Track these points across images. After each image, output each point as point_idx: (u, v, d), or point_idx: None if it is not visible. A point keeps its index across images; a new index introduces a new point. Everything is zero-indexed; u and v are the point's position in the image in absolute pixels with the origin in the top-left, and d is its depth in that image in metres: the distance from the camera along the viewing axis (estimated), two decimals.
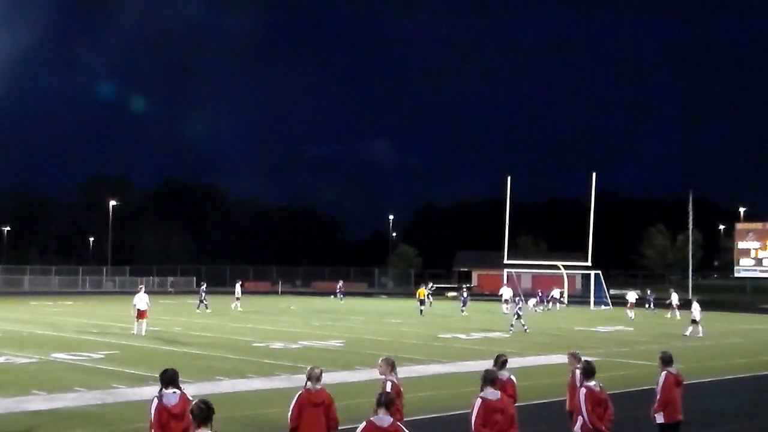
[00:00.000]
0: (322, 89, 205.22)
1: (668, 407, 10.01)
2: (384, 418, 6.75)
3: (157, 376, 8.17)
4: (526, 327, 31.56)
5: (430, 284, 52.00)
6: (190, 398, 7.73)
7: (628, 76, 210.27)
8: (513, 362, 21.19)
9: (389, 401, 6.91)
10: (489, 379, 8.12)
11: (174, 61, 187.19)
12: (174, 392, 7.71)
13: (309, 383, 8.38)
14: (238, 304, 43.84)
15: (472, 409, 7.96)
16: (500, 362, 10.08)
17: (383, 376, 9.21)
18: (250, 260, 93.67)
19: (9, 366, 19.46)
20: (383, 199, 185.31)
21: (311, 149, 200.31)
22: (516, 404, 9.11)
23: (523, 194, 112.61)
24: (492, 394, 7.98)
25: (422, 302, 43.27)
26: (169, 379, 7.80)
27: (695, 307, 30.86)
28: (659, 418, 10.05)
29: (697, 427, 12.68)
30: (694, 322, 30.74)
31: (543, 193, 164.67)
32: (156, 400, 7.69)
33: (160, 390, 7.76)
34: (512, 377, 10.14)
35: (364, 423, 6.80)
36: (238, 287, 45.50)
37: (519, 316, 32.24)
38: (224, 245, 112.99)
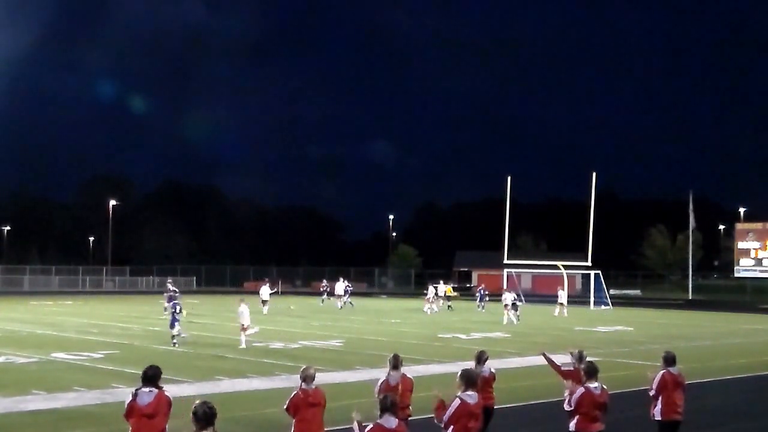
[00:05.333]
0: (323, 89, 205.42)
1: (665, 405, 10.01)
2: (390, 420, 6.78)
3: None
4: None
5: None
6: (168, 396, 7.75)
7: (628, 76, 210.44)
8: (513, 362, 21.28)
9: (393, 403, 6.91)
10: (472, 380, 7.98)
11: (174, 61, 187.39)
12: (150, 391, 7.64)
13: (304, 384, 8.44)
14: (265, 309, 40.85)
15: (448, 406, 7.87)
16: (483, 359, 10.27)
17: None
18: (250, 260, 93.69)
19: (9, 366, 19.47)
20: (383, 199, 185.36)
21: (311, 149, 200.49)
22: (503, 404, 9.13)
23: (523, 194, 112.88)
24: (471, 397, 7.88)
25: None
26: (149, 377, 7.74)
27: (505, 296, 35.22)
28: (657, 415, 10.07)
29: (697, 427, 12.68)
30: (506, 307, 34.55)
31: (543, 193, 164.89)
32: (130, 397, 7.67)
33: (139, 388, 7.72)
34: (493, 371, 10.49)
35: (371, 425, 6.84)
36: (264, 289, 42.41)
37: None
38: (224, 245, 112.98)
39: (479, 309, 46.99)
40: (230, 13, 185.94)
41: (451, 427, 7.77)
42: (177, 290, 38.41)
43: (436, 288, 47.14)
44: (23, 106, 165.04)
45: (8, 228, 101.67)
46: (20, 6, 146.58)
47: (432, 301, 45.32)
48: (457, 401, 7.82)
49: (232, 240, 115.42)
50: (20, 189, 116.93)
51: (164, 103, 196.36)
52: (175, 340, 24.12)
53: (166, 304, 35.12)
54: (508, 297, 36.18)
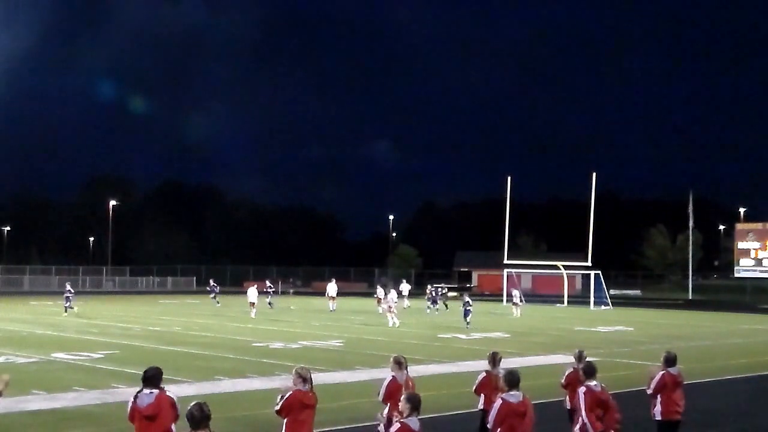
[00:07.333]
0: (322, 89, 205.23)
1: (665, 405, 10.02)
2: (415, 420, 6.85)
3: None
4: None
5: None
6: (170, 396, 7.65)
7: (628, 76, 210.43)
8: (513, 362, 21.23)
9: (419, 402, 6.96)
10: (514, 381, 8.05)
11: (174, 61, 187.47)
12: (150, 393, 7.56)
13: (301, 385, 8.43)
14: (253, 312, 39.12)
15: (491, 409, 7.99)
16: (498, 360, 10.28)
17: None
18: (250, 260, 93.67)
19: (9, 366, 19.44)
20: (383, 199, 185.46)
21: (311, 149, 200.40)
22: None
23: (523, 194, 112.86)
24: (514, 396, 7.93)
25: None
26: (148, 378, 7.67)
27: (390, 296, 35.26)
28: (657, 415, 10.10)
29: (697, 427, 12.68)
30: (389, 309, 34.43)
31: (543, 193, 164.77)
32: (132, 400, 7.62)
33: (140, 390, 7.65)
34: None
35: (398, 424, 6.87)
36: (252, 291, 40.27)
37: None
38: (224, 245, 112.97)
39: (428, 312, 43.54)
40: (230, 13, 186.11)
41: (498, 429, 7.82)
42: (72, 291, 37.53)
43: (384, 289, 43.16)
44: (23, 106, 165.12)
45: (8, 228, 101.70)
46: (20, 6, 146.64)
47: (387, 303, 39.61)
48: (498, 401, 7.90)
49: (232, 240, 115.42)
50: (20, 189, 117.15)
51: (164, 103, 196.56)
52: None
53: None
54: (392, 297, 34.96)
